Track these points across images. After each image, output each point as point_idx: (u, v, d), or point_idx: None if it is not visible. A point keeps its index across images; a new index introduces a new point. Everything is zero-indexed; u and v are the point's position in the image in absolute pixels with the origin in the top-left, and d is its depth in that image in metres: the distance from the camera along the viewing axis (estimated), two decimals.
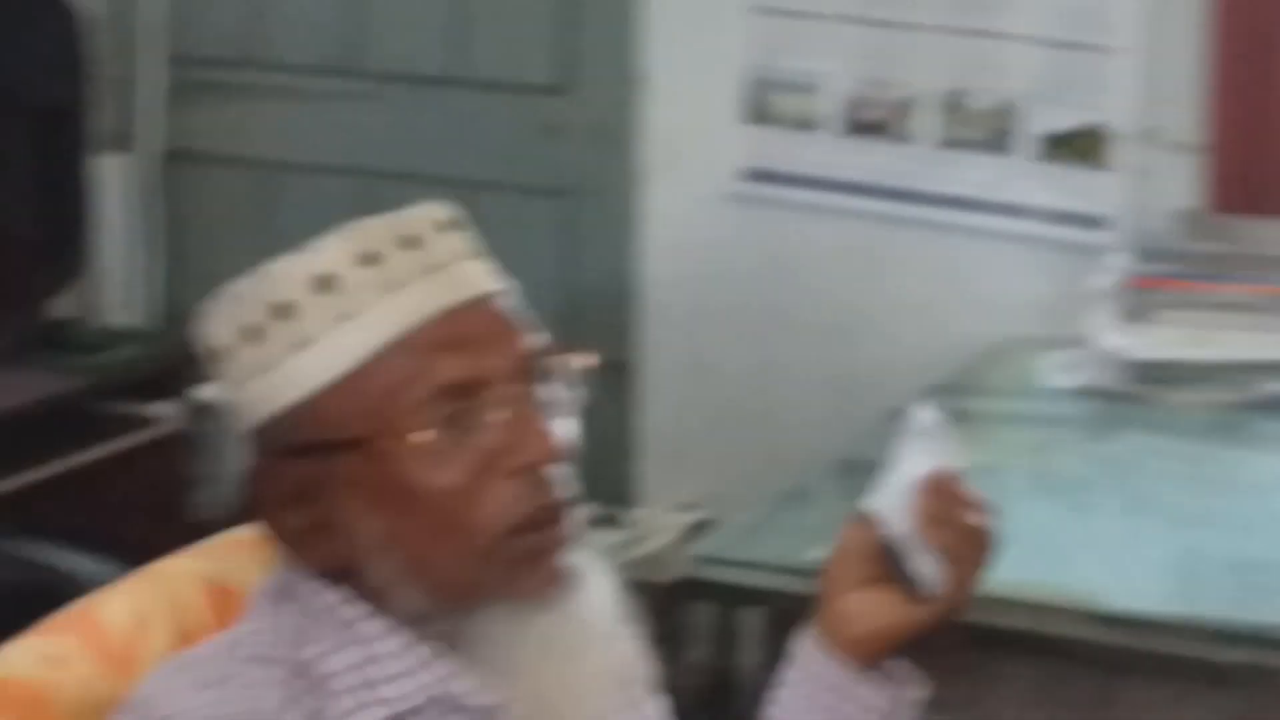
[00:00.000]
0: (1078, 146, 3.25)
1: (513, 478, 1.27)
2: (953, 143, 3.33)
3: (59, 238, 3.59)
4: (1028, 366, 2.91)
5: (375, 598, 1.28)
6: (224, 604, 1.46)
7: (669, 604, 2.87)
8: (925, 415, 1.45)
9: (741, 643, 2.99)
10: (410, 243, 1.29)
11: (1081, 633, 1.87)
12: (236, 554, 1.51)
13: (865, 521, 1.44)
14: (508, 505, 1.27)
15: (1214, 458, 2.55)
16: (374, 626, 1.28)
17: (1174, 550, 2.17)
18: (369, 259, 1.27)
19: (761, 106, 3.43)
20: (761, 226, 3.48)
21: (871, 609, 1.43)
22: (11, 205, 3.44)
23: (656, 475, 3.57)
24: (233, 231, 3.86)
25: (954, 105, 3.32)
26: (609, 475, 3.48)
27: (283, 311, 1.26)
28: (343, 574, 1.29)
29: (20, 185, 3.46)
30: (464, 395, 1.26)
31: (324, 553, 1.28)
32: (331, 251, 1.28)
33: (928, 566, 1.42)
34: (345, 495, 1.27)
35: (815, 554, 1.83)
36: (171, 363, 3.28)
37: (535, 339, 1.31)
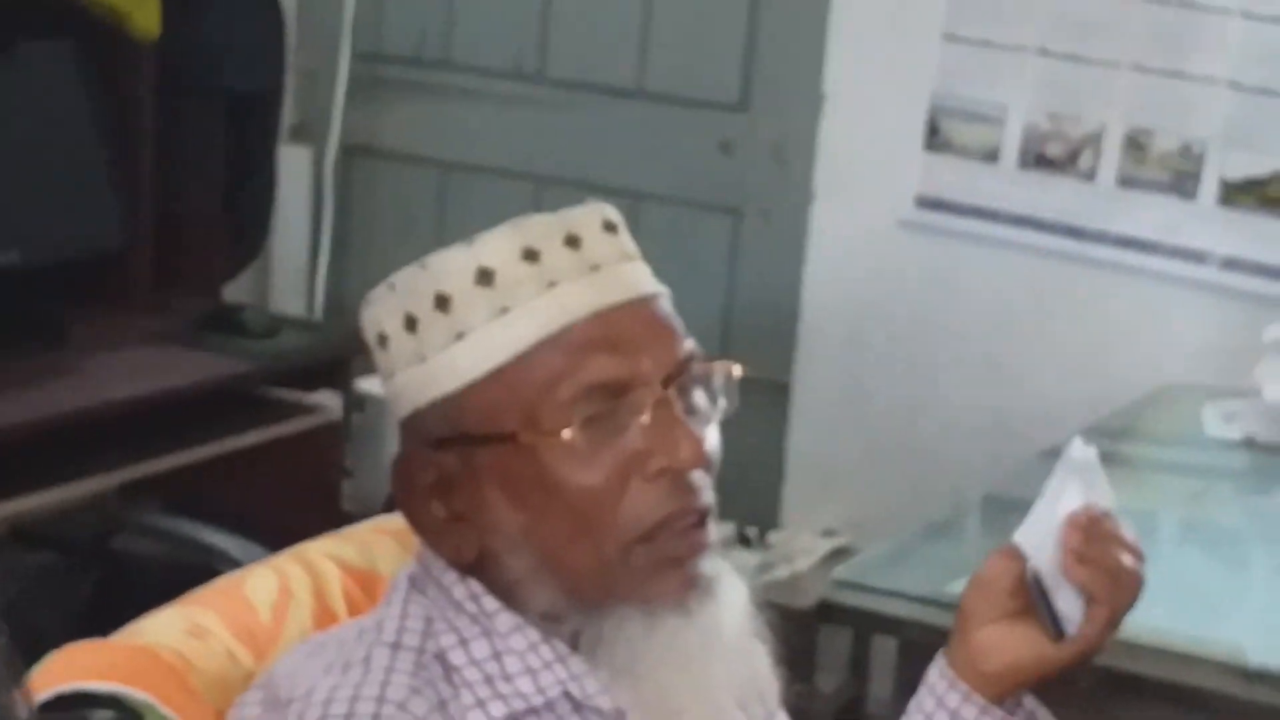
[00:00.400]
0: (1261, 194, 3.19)
1: (653, 481, 1.27)
2: (1134, 182, 3.29)
3: (242, 224, 3.67)
4: (1191, 414, 2.86)
5: (507, 593, 1.29)
6: (365, 589, 1.49)
7: (805, 629, 2.86)
8: (1080, 451, 1.43)
9: (875, 672, 2.97)
10: (572, 241, 1.30)
11: (1225, 687, 1.83)
12: (380, 541, 1.55)
13: (1010, 554, 1.42)
14: (646, 508, 1.27)
15: None
16: (506, 621, 1.29)
17: None
18: (530, 255, 1.28)
19: (941, 134, 3.41)
20: (931, 255, 3.46)
21: (1008, 643, 1.41)
22: (201, 189, 3.52)
23: (801, 499, 3.56)
24: (403, 228, 3.92)
25: (1137, 145, 3.28)
26: (756, 495, 3.48)
27: (442, 303, 1.27)
28: (477, 567, 1.30)
29: (212, 169, 3.54)
30: (612, 396, 1.26)
31: (460, 544, 1.29)
32: (494, 246, 1.29)
33: (1069, 605, 1.40)
34: (487, 489, 1.28)
35: (955, 587, 1.81)
36: (336, 353, 3.33)
37: (688, 345, 1.31)
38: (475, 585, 1.30)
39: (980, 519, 2.39)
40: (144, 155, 3.33)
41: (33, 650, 1.33)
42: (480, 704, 1.26)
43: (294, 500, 3.13)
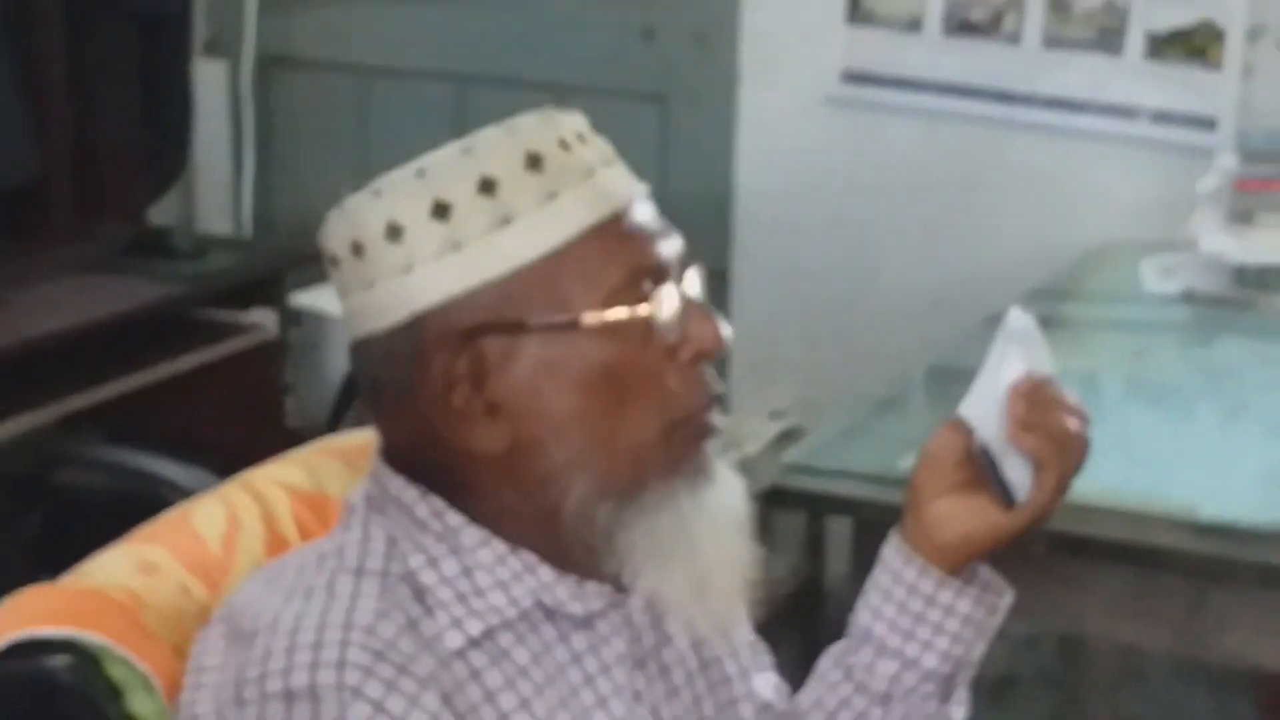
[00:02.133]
0: (1187, 45, 3.19)
1: (690, 365, 1.30)
2: (1059, 42, 3.28)
3: (161, 144, 3.61)
4: (1129, 271, 2.87)
5: (541, 484, 1.29)
6: (315, 513, 1.47)
7: (758, 512, 2.86)
8: (1018, 319, 1.43)
9: (829, 552, 2.98)
10: (571, 144, 1.31)
11: (1175, 542, 1.84)
12: (326, 462, 1.52)
13: (955, 426, 1.43)
14: (693, 392, 1.30)
15: None
16: (472, 536, 1.28)
17: (1272, 459, 2.13)
18: (564, 145, 1.30)
19: (862, 6, 3.39)
20: (860, 130, 3.44)
21: (959, 515, 1.42)
22: (117, 111, 3.46)
23: (748, 383, 3.55)
24: (326, 137, 3.87)
25: (1060, 3, 3.27)
26: None
27: (488, 187, 1.27)
28: (504, 460, 1.28)
29: (126, 91, 3.48)
30: (652, 282, 1.29)
31: (491, 434, 1.28)
32: (534, 131, 1.30)
33: (1017, 473, 1.41)
34: (534, 375, 1.27)
35: (906, 464, 1.81)
36: (268, 269, 3.29)
37: (679, 239, 1.35)
38: (437, 502, 1.29)
39: (925, 391, 2.39)
40: (56, 80, 3.27)
41: None
42: (457, 623, 1.25)
43: (237, 421, 3.10)
